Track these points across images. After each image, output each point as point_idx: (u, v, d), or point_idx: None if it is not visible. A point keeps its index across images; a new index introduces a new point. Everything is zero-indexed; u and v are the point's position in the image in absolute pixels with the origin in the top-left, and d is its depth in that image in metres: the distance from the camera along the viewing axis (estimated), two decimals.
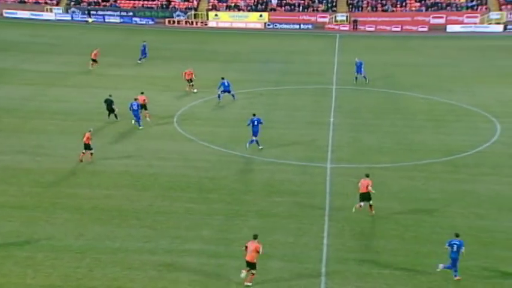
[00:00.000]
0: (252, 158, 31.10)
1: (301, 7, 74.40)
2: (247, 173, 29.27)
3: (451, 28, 69.81)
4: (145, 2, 76.58)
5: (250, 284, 20.01)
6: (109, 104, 36.34)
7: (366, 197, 24.68)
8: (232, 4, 75.54)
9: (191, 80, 42.73)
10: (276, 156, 31.34)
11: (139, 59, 51.85)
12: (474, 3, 72.39)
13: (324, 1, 74.58)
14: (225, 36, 66.80)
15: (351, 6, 73.99)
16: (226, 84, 40.45)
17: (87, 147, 30.18)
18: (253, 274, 20.01)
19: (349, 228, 23.92)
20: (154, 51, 57.37)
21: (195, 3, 76.21)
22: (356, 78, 45.74)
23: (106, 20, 74.21)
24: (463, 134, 35.05)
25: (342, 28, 71.17)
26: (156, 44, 61.33)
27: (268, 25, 72.61)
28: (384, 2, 73.93)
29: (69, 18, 74.59)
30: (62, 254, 21.70)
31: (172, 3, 76.30)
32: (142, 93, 37.16)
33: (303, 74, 49.27)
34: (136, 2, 76.72)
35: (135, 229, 23.64)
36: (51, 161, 30.29)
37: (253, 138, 31.90)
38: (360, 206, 24.74)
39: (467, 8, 72.25)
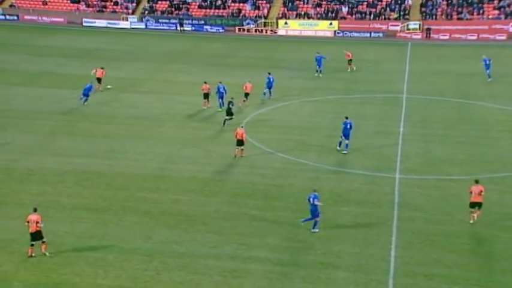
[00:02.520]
0: (318, 167, 30.95)
1: (372, 15, 73.54)
2: (313, 182, 29.11)
3: None
4: (217, 11, 77.91)
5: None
6: (229, 105, 36.95)
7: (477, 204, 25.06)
8: (302, 12, 75.66)
9: (208, 95, 40.56)
10: (342, 165, 31.06)
11: (317, 71, 50.39)
12: None
13: (396, 9, 73.41)
14: (294, 44, 66.97)
15: (424, 14, 72.45)
16: (271, 80, 43.16)
17: (240, 143, 31.56)
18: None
19: (418, 241, 23.34)
20: (223, 58, 58.33)
21: (265, 11, 76.82)
22: (488, 75, 47.82)
23: (178, 28, 75.96)
24: None
25: (414, 36, 69.75)
26: (225, 51, 62.30)
27: (338, 33, 72.17)
28: (459, 9, 71.93)
29: (143, 26, 76.91)
30: (131, 256, 22.31)
31: (243, 11, 77.25)
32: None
33: (372, 83, 48.62)
34: (208, 10, 78.19)
35: (201, 234, 24.00)
36: (122, 165, 31.25)
37: (342, 139, 32.72)
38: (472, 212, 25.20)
39: None
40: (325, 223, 24.85)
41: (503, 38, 67.83)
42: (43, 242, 22.09)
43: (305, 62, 57.31)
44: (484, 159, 31.76)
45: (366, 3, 75.06)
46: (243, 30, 74.54)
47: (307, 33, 72.59)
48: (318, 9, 75.60)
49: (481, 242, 23.20)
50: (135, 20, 77.72)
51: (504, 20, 69.53)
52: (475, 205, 24.58)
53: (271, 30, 74.02)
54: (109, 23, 77.01)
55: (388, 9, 73.72)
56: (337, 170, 30.55)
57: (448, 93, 45.14)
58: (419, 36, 69.69)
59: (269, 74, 43.62)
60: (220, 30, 74.87)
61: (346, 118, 32.90)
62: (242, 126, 32.44)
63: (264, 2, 77.83)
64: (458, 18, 71.34)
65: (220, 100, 40.03)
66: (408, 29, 70.83)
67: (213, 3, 78.46)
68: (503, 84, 47.65)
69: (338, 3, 75.57)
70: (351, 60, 52.53)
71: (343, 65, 55.32)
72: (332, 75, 51.08)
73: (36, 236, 21.92)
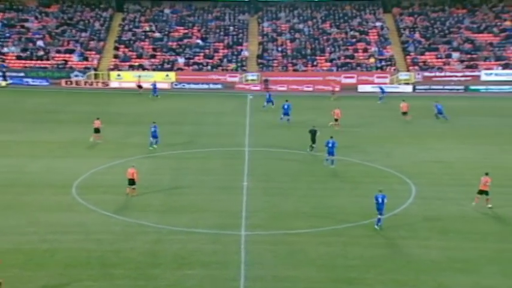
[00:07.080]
0: (160, 228, 30.54)
1: (209, 66, 75.82)
2: (155, 244, 28.63)
3: (362, 88, 73.28)
4: (39, 62, 75.22)
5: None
6: (313, 134, 43.20)
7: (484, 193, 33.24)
8: (136, 64, 75.79)
9: (99, 130, 45.64)
10: (186, 225, 30.97)
11: (282, 119, 54.00)
12: (383, 63, 76.83)
13: (234, 60, 76.50)
14: (129, 97, 66.55)
15: (261, 65, 76.28)
16: (286, 107, 52.25)
17: (132, 182, 34.28)
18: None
19: None
20: (51, 114, 56.16)
21: (95, 62, 75.79)
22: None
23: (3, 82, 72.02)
24: None
25: (253, 88, 72.93)
26: (51, 106, 60.11)
27: (176, 85, 73.23)
28: (294, 61, 76.83)
29: None
30: None
31: (69, 62, 75.44)
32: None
33: (214, 136, 49.65)
34: (28, 61, 75.19)
35: None
36: None
37: (328, 157, 40.25)
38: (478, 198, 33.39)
39: (377, 68, 76.51)
40: None
41: (337, 89, 73.41)
42: None
43: (142, 115, 57.14)
44: (327, 211, 33.53)
45: (202, 54, 77.35)
46: (71, 83, 72.69)
47: (143, 85, 72.57)
48: (152, 60, 76.26)
49: None
50: None
51: (337, 72, 75.55)
52: (482, 193, 33.34)
53: (103, 83, 73.05)
54: None
55: (225, 60, 76.58)
56: (181, 230, 30.37)
57: (290, 145, 47.45)
58: (258, 88, 73.02)
59: (286, 101, 53.01)
60: (45, 83, 72.29)
61: (331, 137, 40.78)
62: (133, 166, 35.03)
63: (94, 53, 76.90)
64: (294, 70, 76.16)
65: (152, 139, 44.09)
66: (247, 80, 74.02)
67: (34, 53, 75.78)
68: (340, 135, 51.14)
69: (174, 54, 76.98)
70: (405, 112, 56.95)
71: (183, 119, 56.01)
72: (172, 129, 51.33)
73: None
